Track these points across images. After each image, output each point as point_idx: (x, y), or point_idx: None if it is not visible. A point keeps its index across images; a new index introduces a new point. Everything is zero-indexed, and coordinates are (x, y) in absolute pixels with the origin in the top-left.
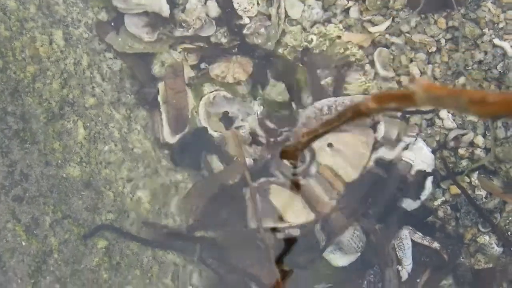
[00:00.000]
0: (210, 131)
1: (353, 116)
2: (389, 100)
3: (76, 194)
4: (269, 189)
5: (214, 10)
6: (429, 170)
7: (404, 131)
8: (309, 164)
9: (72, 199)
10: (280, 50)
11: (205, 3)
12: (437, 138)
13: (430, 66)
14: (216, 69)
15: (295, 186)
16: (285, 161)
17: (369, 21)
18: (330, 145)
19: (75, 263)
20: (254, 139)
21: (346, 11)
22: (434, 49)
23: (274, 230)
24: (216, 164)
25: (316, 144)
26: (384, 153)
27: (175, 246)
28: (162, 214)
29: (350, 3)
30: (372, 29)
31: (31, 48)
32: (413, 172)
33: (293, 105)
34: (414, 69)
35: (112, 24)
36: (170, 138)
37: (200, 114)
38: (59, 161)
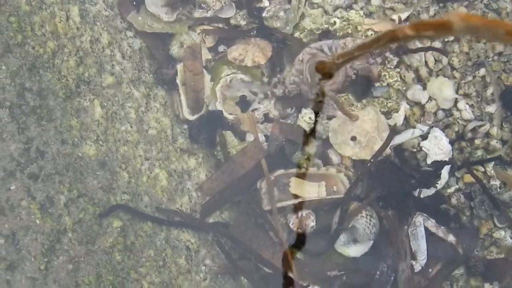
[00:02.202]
0: (226, 114)
1: (388, 41)
2: (426, 28)
3: (91, 173)
4: (289, 182)
5: None
6: (446, 159)
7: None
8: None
9: (87, 179)
10: (297, 34)
11: None
12: (456, 129)
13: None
14: (234, 52)
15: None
16: (318, 75)
17: (391, 8)
18: (353, 138)
19: (89, 243)
20: (266, 118)
21: None
22: (451, 38)
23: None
24: (231, 138)
25: (339, 139)
26: (398, 139)
27: (189, 226)
28: (179, 191)
29: None
30: (395, 16)
31: (51, 23)
32: (429, 160)
33: None
34: (430, 58)
35: (134, 3)
36: (189, 116)
37: (216, 97)
38: (76, 139)
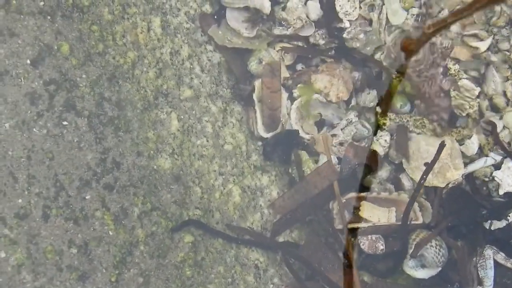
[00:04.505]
0: (302, 133)
1: (487, 3)
2: None
3: (165, 187)
4: (360, 206)
5: (314, 11)
6: None
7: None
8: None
9: (161, 192)
10: (378, 55)
11: (305, 3)
12: None
13: None
14: (319, 82)
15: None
16: (404, 53)
17: (471, 35)
18: (426, 164)
19: (160, 257)
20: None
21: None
22: None
23: (356, 232)
24: (305, 158)
25: (413, 164)
26: (471, 167)
27: (259, 245)
28: (251, 208)
29: None
30: (476, 44)
31: (132, 34)
32: (501, 191)
33: (378, 109)
34: (509, 88)
35: (215, 17)
36: (264, 134)
37: (291, 117)
38: (151, 152)
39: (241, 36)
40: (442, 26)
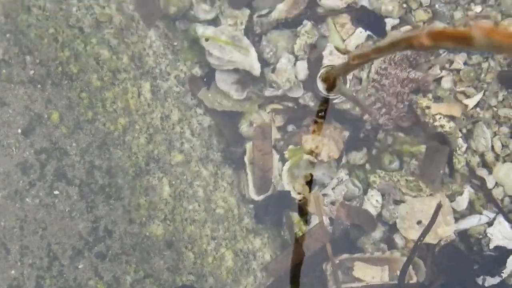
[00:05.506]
0: (293, 194)
1: (404, 47)
2: (445, 39)
3: (158, 253)
4: (353, 266)
5: (302, 72)
6: (510, 247)
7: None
8: None
9: (154, 259)
10: (366, 116)
11: (295, 64)
12: None
13: None
14: (311, 142)
15: (318, 118)
16: (321, 84)
17: (462, 92)
18: (419, 222)
19: None
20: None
21: (437, 81)
22: None
23: None
24: (297, 220)
25: (406, 224)
26: (462, 224)
27: None
28: (244, 271)
29: (444, 73)
30: (466, 101)
31: (123, 99)
32: (492, 245)
33: (368, 166)
34: (497, 143)
35: (205, 79)
36: (255, 196)
37: (283, 178)
38: (143, 219)
39: (231, 98)
40: (365, 60)
